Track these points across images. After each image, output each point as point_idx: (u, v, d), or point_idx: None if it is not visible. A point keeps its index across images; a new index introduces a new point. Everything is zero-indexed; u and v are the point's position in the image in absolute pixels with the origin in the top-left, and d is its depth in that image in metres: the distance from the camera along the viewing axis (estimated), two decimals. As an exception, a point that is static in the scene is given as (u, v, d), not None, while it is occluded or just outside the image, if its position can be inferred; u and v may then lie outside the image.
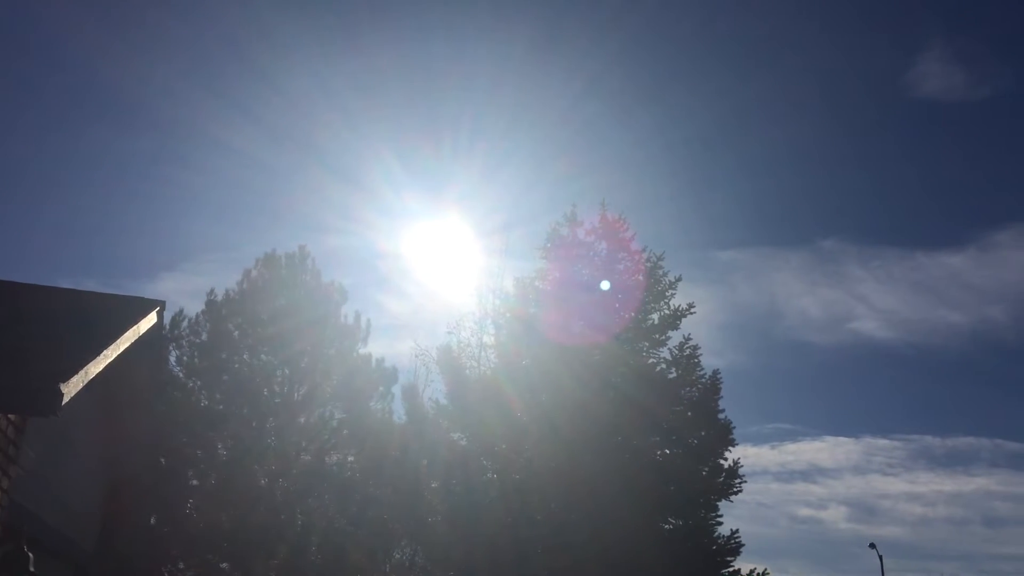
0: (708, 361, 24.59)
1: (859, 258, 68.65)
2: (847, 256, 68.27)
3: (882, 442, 63.76)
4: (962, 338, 69.64)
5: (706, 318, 24.57)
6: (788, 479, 64.88)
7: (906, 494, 63.57)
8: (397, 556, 26.02)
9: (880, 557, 35.73)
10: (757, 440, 63.66)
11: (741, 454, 22.60)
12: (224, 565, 24.32)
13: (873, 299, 69.38)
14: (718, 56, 63.07)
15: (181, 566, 24.25)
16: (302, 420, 26.35)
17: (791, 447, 63.93)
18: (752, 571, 21.49)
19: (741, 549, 21.52)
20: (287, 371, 26.68)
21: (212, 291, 27.27)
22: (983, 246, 68.32)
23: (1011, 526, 62.52)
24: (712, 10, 58.46)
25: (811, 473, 65.92)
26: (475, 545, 20.97)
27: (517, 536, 20.69)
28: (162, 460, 22.78)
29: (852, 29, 61.02)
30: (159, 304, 10.88)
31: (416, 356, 25.21)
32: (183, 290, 68.68)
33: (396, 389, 27.55)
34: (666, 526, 21.94)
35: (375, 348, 28.38)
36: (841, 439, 64.53)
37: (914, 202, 72.34)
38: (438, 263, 32.84)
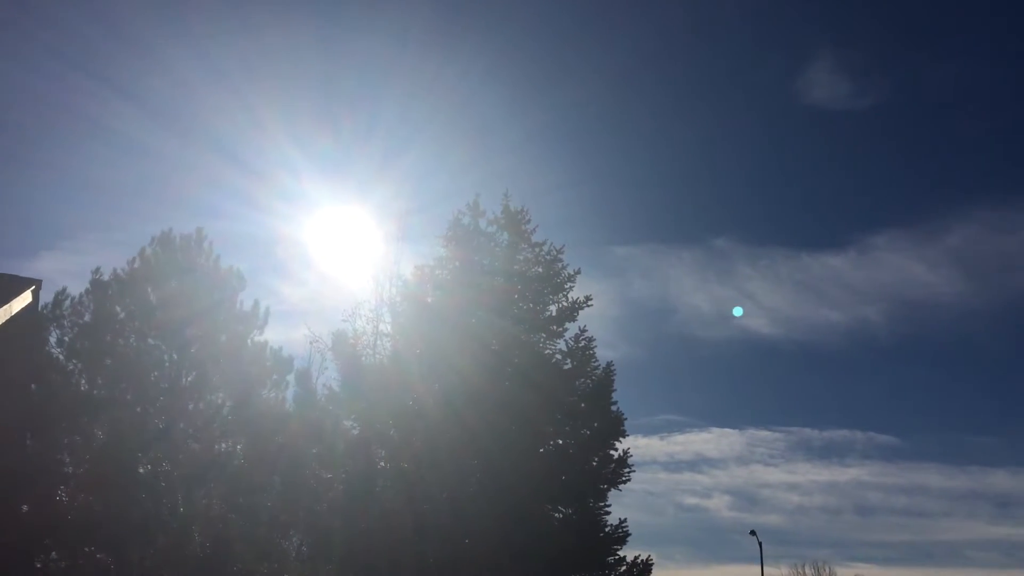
0: (601, 353, 25.14)
1: (748, 257, 71.61)
2: (737, 255, 71.18)
3: (764, 433, 66.73)
4: (839, 335, 73.66)
5: (600, 311, 25.10)
6: (676, 469, 67.03)
7: (785, 483, 66.70)
8: (285, 545, 25.52)
9: (760, 544, 37.42)
10: (647, 431, 65.38)
11: (631, 444, 23.23)
12: (100, 555, 23.35)
13: (760, 296, 72.49)
14: (612, 56, 64.27)
15: (54, 555, 23.17)
16: (190, 407, 25.51)
17: (679, 438, 66.11)
18: (636, 558, 22.03)
19: (628, 538, 22.09)
20: (175, 356, 25.76)
21: (98, 270, 26.03)
22: (862, 248, 72.38)
23: (881, 515, 66.37)
24: (605, 8, 59.38)
25: (698, 463, 68.30)
26: (369, 532, 20.80)
27: (413, 523, 20.63)
28: (34, 445, 21.77)
29: (744, 37, 63.39)
30: (35, 283, 10.41)
31: (311, 343, 24.65)
32: (65, 270, 65.42)
33: (291, 377, 26.96)
34: (556, 514, 22.31)
35: (272, 335, 27.68)
36: (726, 430, 67.26)
37: (800, 205, 75.93)
38: (337, 249, 32.19)
